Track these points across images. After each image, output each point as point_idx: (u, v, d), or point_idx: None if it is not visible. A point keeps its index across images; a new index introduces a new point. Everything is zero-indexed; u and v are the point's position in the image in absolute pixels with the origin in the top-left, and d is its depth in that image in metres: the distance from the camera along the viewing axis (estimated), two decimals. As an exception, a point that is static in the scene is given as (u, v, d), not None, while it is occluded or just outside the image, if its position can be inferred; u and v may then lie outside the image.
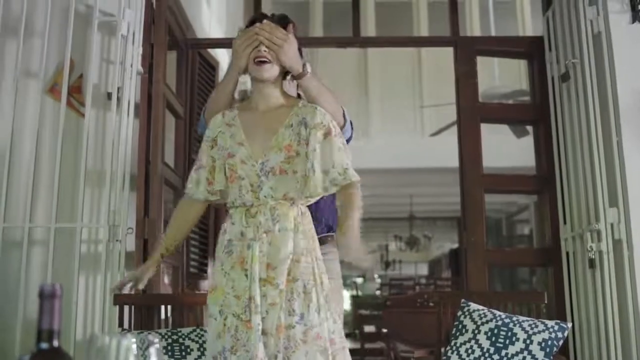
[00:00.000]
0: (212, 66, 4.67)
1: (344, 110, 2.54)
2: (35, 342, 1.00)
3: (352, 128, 2.61)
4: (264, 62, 2.31)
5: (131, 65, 3.43)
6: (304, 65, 2.39)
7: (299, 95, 2.66)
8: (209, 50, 4.66)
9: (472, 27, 9.22)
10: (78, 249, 3.23)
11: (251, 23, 2.39)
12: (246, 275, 2.20)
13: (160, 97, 3.70)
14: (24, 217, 3.27)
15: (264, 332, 2.14)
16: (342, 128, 2.49)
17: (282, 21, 2.41)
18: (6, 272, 3.25)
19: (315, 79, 2.44)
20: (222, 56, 5.26)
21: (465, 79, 4.11)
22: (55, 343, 0.99)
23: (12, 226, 3.29)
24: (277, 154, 2.28)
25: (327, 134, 2.31)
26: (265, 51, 2.31)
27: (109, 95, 3.41)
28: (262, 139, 2.32)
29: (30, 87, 3.47)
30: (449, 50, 4.29)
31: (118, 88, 3.39)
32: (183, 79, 4.20)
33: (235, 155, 2.31)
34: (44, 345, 0.99)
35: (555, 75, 3.86)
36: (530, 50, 4.21)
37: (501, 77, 7.60)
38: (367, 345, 9.13)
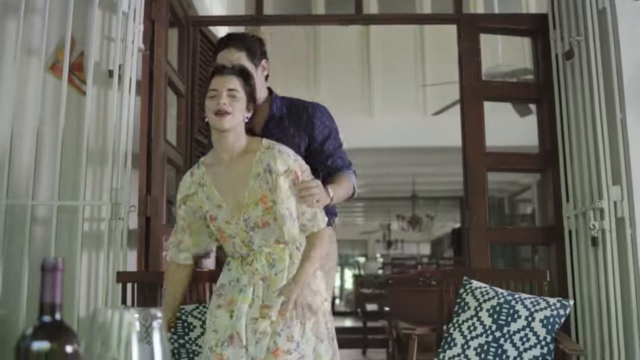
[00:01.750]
0: (213, 44, 4.63)
1: (354, 180, 2.72)
2: (37, 315, 1.00)
3: (354, 185, 2.75)
4: (226, 113, 2.35)
5: (132, 42, 3.41)
6: (328, 195, 2.49)
7: (270, 91, 2.74)
8: (211, 28, 4.63)
9: (476, 4, 9.12)
10: (81, 226, 3.24)
11: (212, 75, 2.44)
12: (231, 316, 2.33)
13: (162, 74, 3.68)
14: (26, 195, 3.27)
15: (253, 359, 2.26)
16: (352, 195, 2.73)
17: (243, 72, 2.47)
18: (10, 249, 3.26)
19: (335, 191, 2.54)
20: (224, 34, 5.21)
21: (469, 56, 4.08)
22: (58, 316, 0.99)
23: (15, 204, 3.29)
24: (254, 209, 2.37)
25: (294, 181, 2.38)
26: (225, 104, 2.35)
27: (110, 73, 3.40)
28: (236, 195, 2.39)
29: (32, 65, 3.45)
30: (452, 28, 4.25)
31: (119, 65, 3.37)
32: (185, 57, 4.18)
33: (218, 218, 2.41)
34: (47, 319, 0.99)
35: (559, 52, 3.83)
36: (534, 28, 4.17)
37: (505, 55, 7.55)
38: (369, 324, 9.18)
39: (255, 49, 2.69)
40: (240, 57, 2.63)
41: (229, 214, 2.38)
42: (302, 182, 2.38)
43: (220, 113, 2.35)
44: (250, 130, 2.48)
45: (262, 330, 2.28)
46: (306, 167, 2.45)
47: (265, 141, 2.46)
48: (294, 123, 2.71)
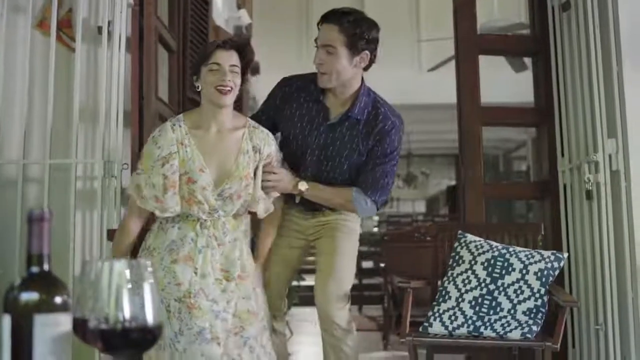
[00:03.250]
0: (204, -1, 4.57)
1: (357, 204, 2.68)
2: (25, 267, 0.99)
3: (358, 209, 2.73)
4: (229, 91, 2.39)
5: (121, -3, 3.34)
6: (296, 186, 2.60)
7: (361, 82, 2.71)
8: (201, -18, 4.55)
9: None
10: (73, 185, 3.22)
11: (214, 47, 2.45)
12: (195, 273, 2.39)
13: (152, 30, 3.62)
14: (18, 154, 3.25)
15: (235, 315, 2.40)
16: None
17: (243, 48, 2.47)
18: (3, 209, 3.24)
19: (313, 189, 2.62)
20: (215, -11, 5.13)
21: (464, 9, 4.01)
22: (46, 267, 0.98)
23: (6, 163, 3.26)
24: (238, 182, 2.43)
25: (266, 165, 2.53)
26: (229, 80, 2.38)
27: (100, 29, 3.34)
28: (221, 165, 2.44)
29: (19, 23, 3.39)
30: (448, -20, 4.18)
31: (109, 22, 3.32)
32: (175, 12, 4.11)
33: (197, 182, 2.40)
34: (35, 269, 0.98)
35: (555, 4, 3.77)
36: (530, -21, 4.10)
37: (500, 9, 7.46)
38: (365, 281, 9.24)
39: (357, 37, 2.54)
40: (334, 39, 2.56)
41: (208, 181, 2.41)
42: (269, 166, 2.53)
43: (224, 90, 2.38)
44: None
45: (232, 289, 2.41)
46: (280, 157, 2.59)
47: (249, 120, 2.55)
48: (366, 130, 2.64)
